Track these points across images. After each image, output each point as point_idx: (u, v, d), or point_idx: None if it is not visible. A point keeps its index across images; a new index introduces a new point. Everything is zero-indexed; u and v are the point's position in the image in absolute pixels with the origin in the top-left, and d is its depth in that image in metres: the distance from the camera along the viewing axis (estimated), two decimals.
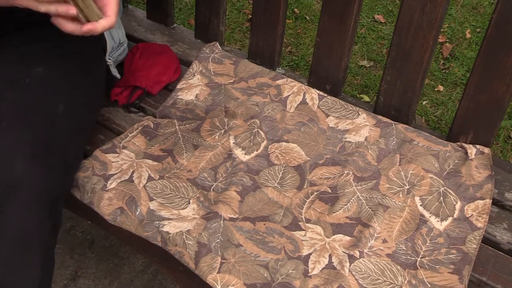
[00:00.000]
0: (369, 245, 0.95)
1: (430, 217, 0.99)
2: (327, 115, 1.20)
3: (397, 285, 0.89)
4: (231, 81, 1.28)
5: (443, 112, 2.14)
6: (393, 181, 1.06)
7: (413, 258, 0.93)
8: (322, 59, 1.26)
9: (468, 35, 2.55)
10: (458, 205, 1.01)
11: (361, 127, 1.17)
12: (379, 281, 0.90)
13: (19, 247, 0.83)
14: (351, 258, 0.92)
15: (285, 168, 1.08)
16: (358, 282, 0.89)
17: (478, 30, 2.59)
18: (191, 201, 1.01)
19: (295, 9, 2.66)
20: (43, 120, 0.92)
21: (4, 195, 0.82)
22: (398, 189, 1.04)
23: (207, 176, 1.05)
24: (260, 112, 1.18)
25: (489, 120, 1.11)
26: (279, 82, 1.27)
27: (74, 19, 0.81)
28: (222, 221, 0.96)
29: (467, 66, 2.35)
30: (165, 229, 0.95)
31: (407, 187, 1.04)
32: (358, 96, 2.19)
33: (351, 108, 1.21)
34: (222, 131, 1.13)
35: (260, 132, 1.14)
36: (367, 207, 1.00)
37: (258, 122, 1.15)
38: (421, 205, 1.01)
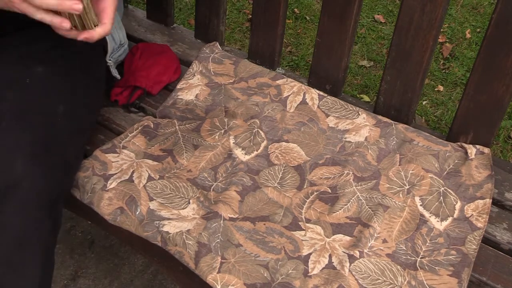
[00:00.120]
0: (369, 245, 0.95)
1: (430, 217, 0.99)
2: (327, 115, 1.20)
3: (397, 285, 0.89)
4: (231, 81, 1.28)
5: (443, 112, 2.14)
6: (393, 181, 1.06)
7: (413, 258, 0.93)
8: (322, 59, 1.26)
9: (468, 35, 2.55)
10: (458, 205, 1.01)
11: (361, 127, 1.17)
12: (379, 281, 0.90)
13: (19, 247, 0.83)
14: (351, 258, 0.92)
15: (285, 168, 1.08)
16: (358, 282, 0.89)
17: (478, 30, 2.59)
18: (191, 201, 1.01)
19: (295, 9, 2.66)
20: (43, 120, 0.92)
21: (4, 195, 0.82)
22: (398, 189, 1.04)
23: (207, 176, 1.05)
24: (260, 112, 1.18)
25: (489, 120, 1.11)
26: (279, 82, 1.27)
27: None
28: (222, 221, 0.96)
29: (467, 66, 2.35)
30: (165, 229, 0.95)
31: (407, 187, 1.04)
32: (358, 96, 2.19)
33: (351, 108, 1.21)
34: (222, 131, 1.13)
35: (260, 132, 1.14)
36: (367, 207, 1.00)
37: (258, 122, 1.15)
38: (421, 205, 1.01)
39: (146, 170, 1.05)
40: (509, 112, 2.11)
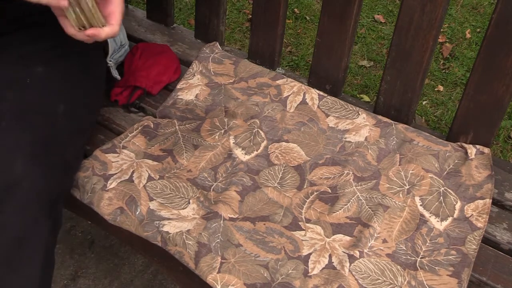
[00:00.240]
0: (369, 245, 0.95)
1: (430, 217, 0.99)
2: (327, 115, 1.20)
3: (397, 285, 0.89)
4: (231, 81, 1.28)
5: (443, 112, 2.14)
6: (393, 181, 1.06)
7: (413, 258, 0.93)
8: (322, 59, 1.26)
9: (468, 35, 2.55)
10: (458, 205, 1.01)
11: (361, 127, 1.17)
12: (379, 281, 0.90)
13: (19, 247, 0.83)
14: (351, 258, 0.92)
15: (285, 168, 1.08)
16: (358, 282, 0.89)
17: (478, 30, 2.59)
18: (191, 201, 1.01)
19: (295, 9, 2.66)
20: (43, 120, 0.92)
21: (4, 195, 0.82)
22: (398, 189, 1.04)
23: (207, 176, 1.05)
24: (260, 112, 1.18)
25: (489, 120, 1.11)
26: (279, 82, 1.27)
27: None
28: (222, 221, 0.96)
29: (467, 66, 2.35)
30: (165, 229, 0.95)
31: (407, 187, 1.04)
32: (358, 96, 2.19)
33: (351, 108, 1.21)
34: (222, 131, 1.13)
35: (260, 132, 1.14)
36: (367, 207, 1.00)
37: (258, 122, 1.15)
38: (421, 205, 1.01)
39: (146, 170, 1.05)
40: (509, 112, 2.11)
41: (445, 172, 1.07)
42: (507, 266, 0.94)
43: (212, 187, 1.03)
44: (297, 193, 1.03)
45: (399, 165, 1.09)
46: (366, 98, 2.17)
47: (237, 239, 0.94)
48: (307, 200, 1.02)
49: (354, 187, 1.04)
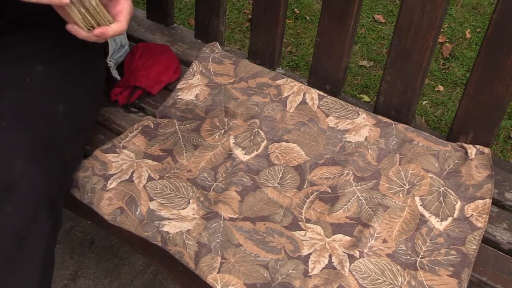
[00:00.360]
0: (369, 245, 0.95)
1: (430, 217, 0.99)
2: (327, 115, 1.20)
3: (396, 285, 0.89)
4: (231, 81, 1.28)
5: (443, 112, 2.14)
6: (393, 181, 1.06)
7: (413, 258, 0.93)
8: (322, 59, 1.26)
9: (468, 35, 2.55)
10: (458, 205, 1.01)
11: (361, 127, 1.17)
12: (379, 281, 0.90)
13: (19, 247, 0.83)
14: (351, 258, 0.92)
15: (285, 168, 1.08)
16: (358, 282, 0.89)
17: (478, 30, 2.59)
18: (191, 201, 1.01)
19: (295, 9, 2.66)
20: (43, 120, 0.92)
21: (4, 194, 0.82)
22: (398, 189, 1.04)
23: (207, 176, 1.05)
24: (260, 112, 1.18)
25: (489, 120, 1.11)
26: (279, 82, 1.27)
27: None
28: (222, 221, 0.96)
29: (467, 66, 2.35)
30: (165, 229, 0.95)
31: (407, 187, 1.04)
32: (358, 96, 2.19)
33: (351, 108, 1.21)
34: (222, 131, 1.13)
35: (260, 132, 1.14)
36: (367, 207, 1.00)
37: (258, 122, 1.15)
38: (421, 205, 1.01)
39: (146, 170, 1.05)
40: (509, 112, 2.11)
41: (445, 172, 1.07)
42: (507, 266, 0.94)
43: (212, 187, 1.03)
44: (297, 193, 1.03)
45: (399, 165, 1.09)
46: (366, 98, 2.17)
47: (237, 239, 0.94)
48: (307, 200, 1.02)
49: (354, 187, 1.04)
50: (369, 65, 2.36)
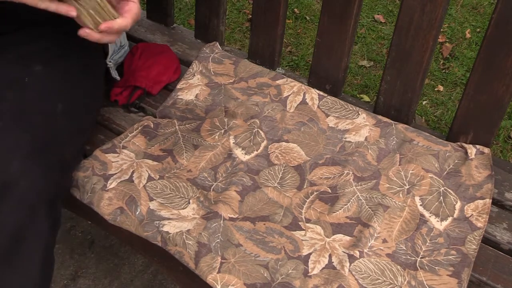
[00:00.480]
0: (369, 245, 0.95)
1: (430, 217, 0.99)
2: (327, 115, 1.20)
3: (396, 285, 0.89)
4: (231, 81, 1.28)
5: (443, 112, 2.14)
6: (393, 181, 1.06)
7: (413, 258, 0.93)
8: (322, 59, 1.26)
9: (468, 35, 2.55)
10: (458, 205, 1.01)
11: (361, 127, 1.17)
12: (379, 281, 0.90)
13: (18, 247, 0.83)
14: (351, 258, 0.92)
15: (285, 168, 1.08)
16: (358, 282, 0.89)
17: (478, 30, 2.59)
18: (191, 201, 1.01)
19: (295, 9, 2.66)
20: (43, 120, 0.92)
21: (3, 194, 0.82)
22: (398, 189, 1.04)
23: (207, 176, 1.05)
24: (260, 112, 1.18)
25: (489, 120, 1.11)
26: (279, 82, 1.27)
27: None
28: (222, 221, 0.96)
29: (467, 66, 2.35)
30: (165, 229, 0.95)
31: (407, 187, 1.04)
32: (358, 96, 2.19)
33: (351, 108, 1.21)
34: (222, 131, 1.13)
35: (260, 132, 1.14)
36: (367, 207, 1.00)
37: (258, 122, 1.15)
38: (421, 205, 1.01)
39: (146, 170, 1.05)
40: (509, 112, 2.11)
41: (445, 172, 1.07)
42: (507, 266, 0.94)
43: (212, 187, 1.03)
44: (297, 193, 1.03)
45: (399, 165, 1.09)
46: (366, 98, 2.17)
47: (237, 239, 0.94)
48: (307, 200, 1.02)
49: (354, 187, 1.04)
50: (369, 65, 2.36)
